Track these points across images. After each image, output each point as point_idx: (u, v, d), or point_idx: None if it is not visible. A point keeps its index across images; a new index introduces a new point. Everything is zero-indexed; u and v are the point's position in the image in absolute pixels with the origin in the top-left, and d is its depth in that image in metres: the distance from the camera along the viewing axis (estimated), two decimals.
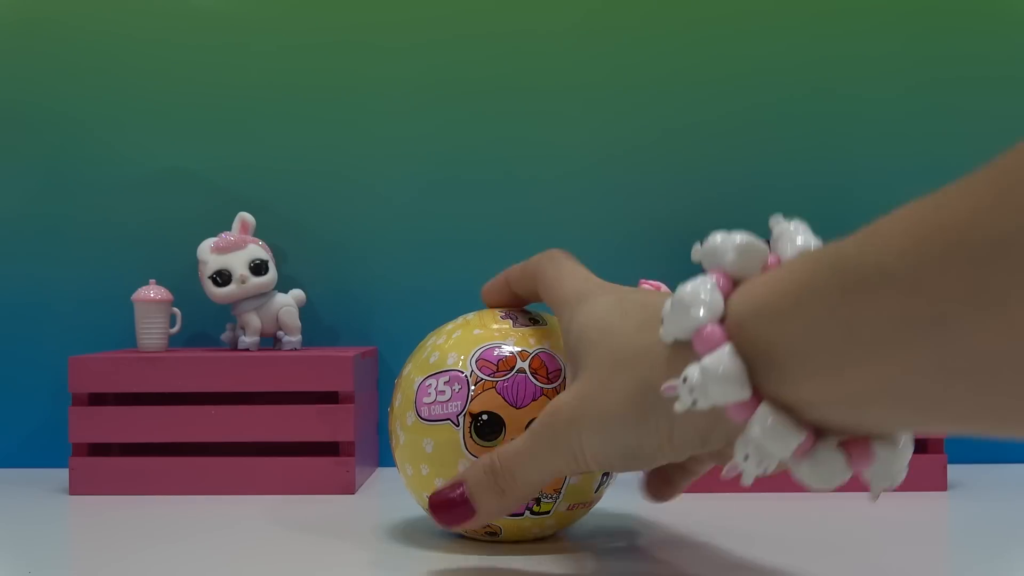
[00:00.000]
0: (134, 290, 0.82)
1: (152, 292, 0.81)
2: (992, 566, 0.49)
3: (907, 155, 0.89)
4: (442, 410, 0.48)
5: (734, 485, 0.65)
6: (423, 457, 0.49)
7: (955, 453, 0.78)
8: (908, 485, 0.74)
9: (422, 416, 0.49)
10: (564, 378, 0.49)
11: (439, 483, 0.49)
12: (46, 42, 0.89)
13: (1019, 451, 0.85)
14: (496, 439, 0.48)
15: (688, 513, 0.63)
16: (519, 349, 0.49)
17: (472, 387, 0.48)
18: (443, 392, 0.48)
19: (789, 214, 0.40)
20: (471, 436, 0.48)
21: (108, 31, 0.89)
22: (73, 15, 0.88)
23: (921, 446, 0.70)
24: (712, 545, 0.53)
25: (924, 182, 0.28)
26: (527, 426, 0.47)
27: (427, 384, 0.49)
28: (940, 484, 0.70)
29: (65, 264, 0.89)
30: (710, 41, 0.89)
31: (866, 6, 0.89)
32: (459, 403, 0.48)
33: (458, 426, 0.48)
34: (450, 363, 0.49)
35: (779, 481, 0.64)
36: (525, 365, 0.48)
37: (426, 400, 0.49)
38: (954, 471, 0.75)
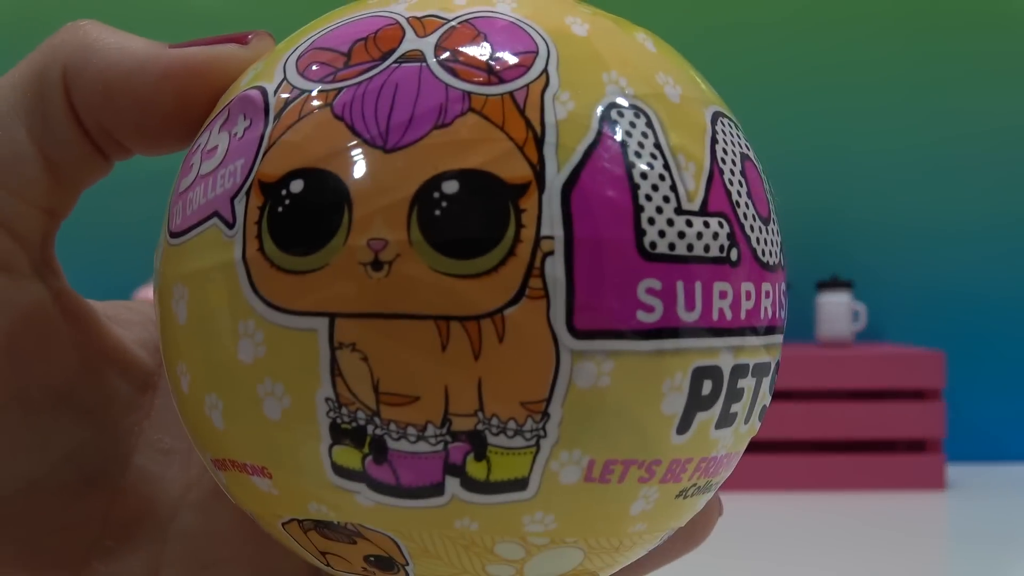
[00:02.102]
0: (134, 290, 0.82)
1: (152, 292, 0.81)
2: (991, 565, 0.49)
3: None
4: (205, 193, 0.14)
5: (732, 484, 0.64)
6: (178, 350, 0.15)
7: (954, 452, 0.78)
8: (907, 484, 0.74)
9: (171, 231, 0.15)
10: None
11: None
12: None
13: (1018, 451, 0.84)
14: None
15: None
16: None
17: (271, 122, 0.14)
18: (213, 149, 0.15)
19: None
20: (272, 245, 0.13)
21: None
22: (73, 15, 0.88)
23: (920, 445, 0.70)
24: (710, 544, 0.53)
25: None
26: None
27: (194, 148, 0.15)
28: (938, 483, 0.70)
29: (65, 264, 0.88)
30: None
31: None
32: (241, 165, 0.14)
33: (232, 228, 0.13)
34: (249, 80, 0.15)
35: (778, 480, 0.64)
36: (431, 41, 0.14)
37: (182, 185, 0.15)
38: (953, 471, 0.75)
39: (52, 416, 0.18)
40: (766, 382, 0.15)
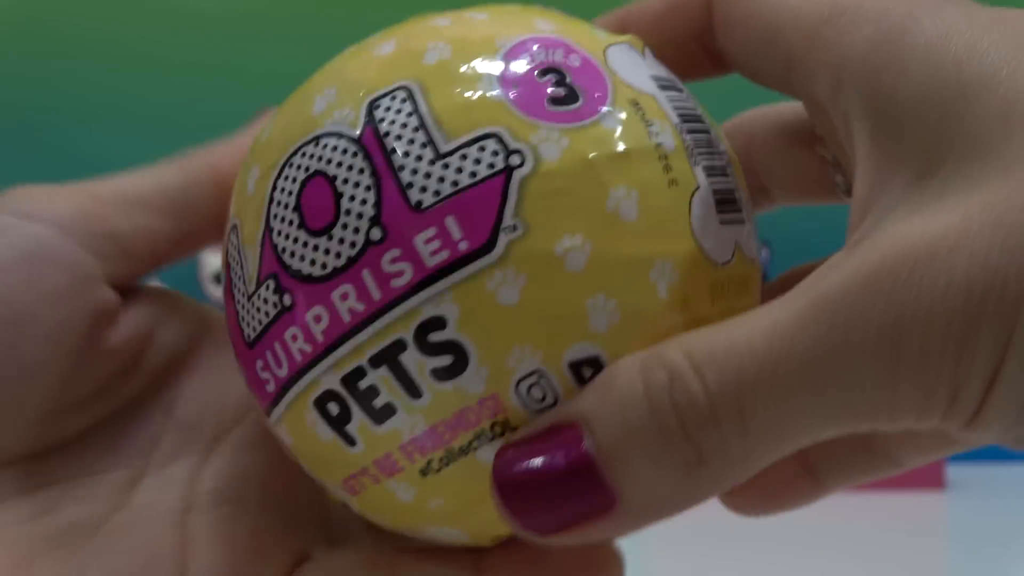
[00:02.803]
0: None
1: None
2: (991, 566, 0.49)
3: None
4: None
5: None
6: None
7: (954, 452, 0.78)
8: (907, 484, 0.74)
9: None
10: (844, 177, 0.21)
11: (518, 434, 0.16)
12: (46, 42, 0.88)
13: (1019, 451, 0.84)
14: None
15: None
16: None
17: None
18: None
19: None
20: None
21: (108, 31, 0.88)
22: (73, 15, 0.88)
23: None
24: (708, 543, 0.53)
25: None
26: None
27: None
28: (938, 483, 0.70)
29: None
30: None
31: None
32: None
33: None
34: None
35: None
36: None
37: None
38: (953, 470, 0.75)
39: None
40: (408, 354, 0.15)
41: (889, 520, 0.62)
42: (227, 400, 0.21)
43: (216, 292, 0.82)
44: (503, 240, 0.15)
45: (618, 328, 0.15)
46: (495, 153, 0.15)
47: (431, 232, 0.15)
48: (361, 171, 0.15)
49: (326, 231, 0.15)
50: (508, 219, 0.15)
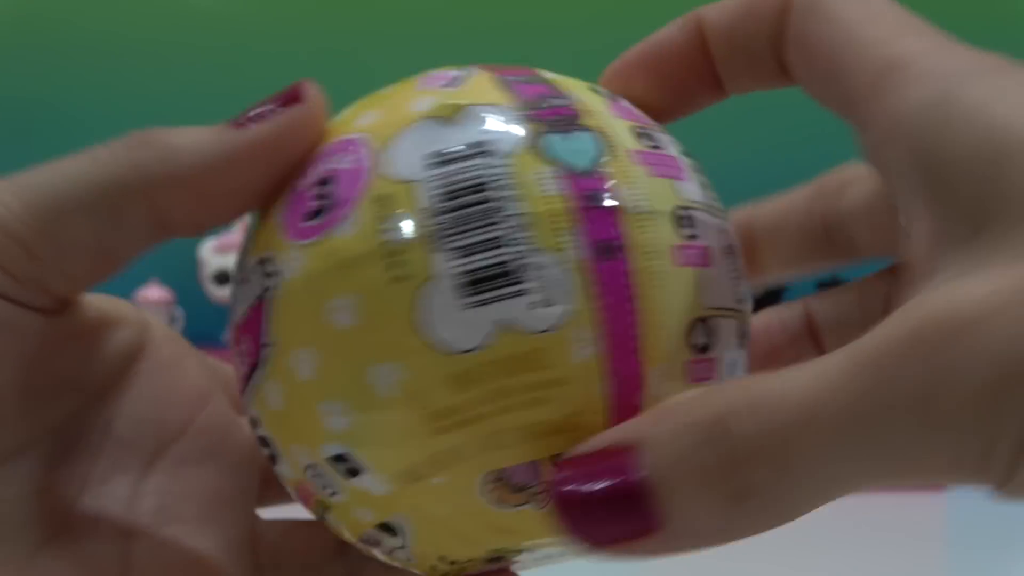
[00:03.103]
0: (135, 290, 0.82)
1: (153, 292, 0.81)
2: (991, 566, 0.49)
3: None
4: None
5: None
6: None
7: None
8: (907, 484, 0.74)
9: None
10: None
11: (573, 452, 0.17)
12: (46, 42, 0.88)
13: None
14: None
15: None
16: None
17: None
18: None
19: None
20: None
21: (108, 31, 0.89)
22: (74, 15, 0.88)
23: None
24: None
25: None
26: None
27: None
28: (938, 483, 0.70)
29: None
30: None
31: None
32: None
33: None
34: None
35: None
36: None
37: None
38: None
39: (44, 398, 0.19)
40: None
41: (889, 520, 0.62)
42: (167, 414, 0.20)
43: (216, 292, 0.82)
44: (263, 355, 0.17)
45: (353, 427, 0.16)
46: (264, 275, 0.17)
47: (240, 347, 0.18)
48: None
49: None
50: (264, 337, 0.17)
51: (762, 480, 0.16)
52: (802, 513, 0.16)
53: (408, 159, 0.17)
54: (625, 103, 0.19)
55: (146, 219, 0.18)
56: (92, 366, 0.20)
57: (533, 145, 0.17)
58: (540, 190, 0.17)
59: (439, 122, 0.17)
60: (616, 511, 0.16)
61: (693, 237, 0.17)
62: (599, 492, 0.16)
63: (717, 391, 0.16)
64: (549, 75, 0.19)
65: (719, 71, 0.20)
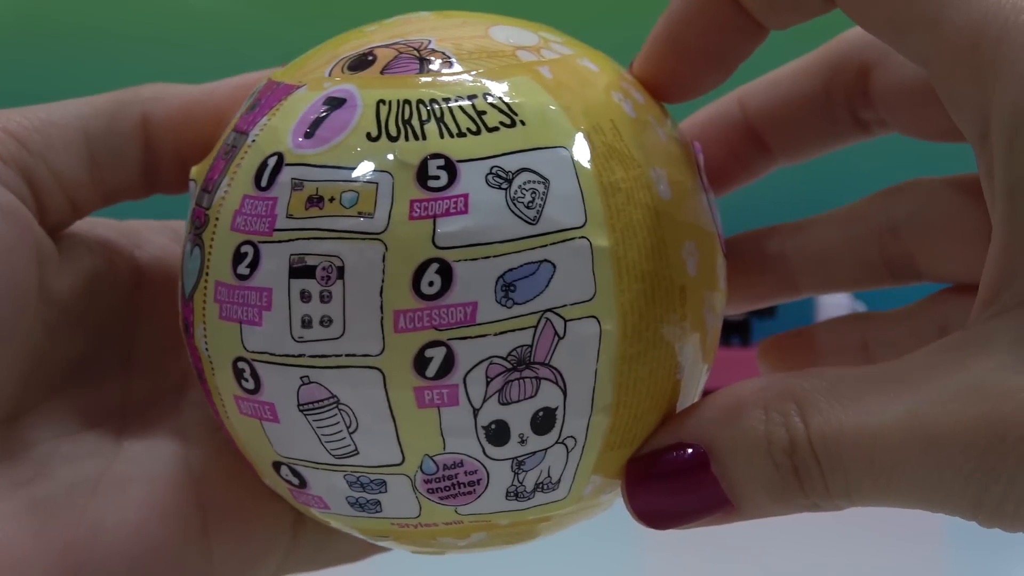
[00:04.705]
0: None
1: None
2: (991, 566, 0.49)
3: None
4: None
5: None
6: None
7: None
8: None
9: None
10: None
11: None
12: (46, 41, 0.88)
13: None
14: None
15: None
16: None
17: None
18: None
19: None
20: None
21: (108, 31, 0.88)
22: (74, 15, 0.88)
23: None
24: (708, 542, 0.53)
25: None
26: None
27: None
28: None
29: None
30: None
31: None
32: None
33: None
34: None
35: None
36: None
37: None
38: None
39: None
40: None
41: (889, 520, 0.62)
42: (183, 340, 0.20)
43: None
44: None
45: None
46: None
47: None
48: None
49: None
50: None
51: (830, 503, 0.19)
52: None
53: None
54: None
55: (134, 126, 0.20)
56: (97, 302, 0.20)
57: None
58: None
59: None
60: (690, 501, 0.18)
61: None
62: (674, 487, 0.18)
63: (781, 411, 0.18)
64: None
65: (752, 8, 0.20)
